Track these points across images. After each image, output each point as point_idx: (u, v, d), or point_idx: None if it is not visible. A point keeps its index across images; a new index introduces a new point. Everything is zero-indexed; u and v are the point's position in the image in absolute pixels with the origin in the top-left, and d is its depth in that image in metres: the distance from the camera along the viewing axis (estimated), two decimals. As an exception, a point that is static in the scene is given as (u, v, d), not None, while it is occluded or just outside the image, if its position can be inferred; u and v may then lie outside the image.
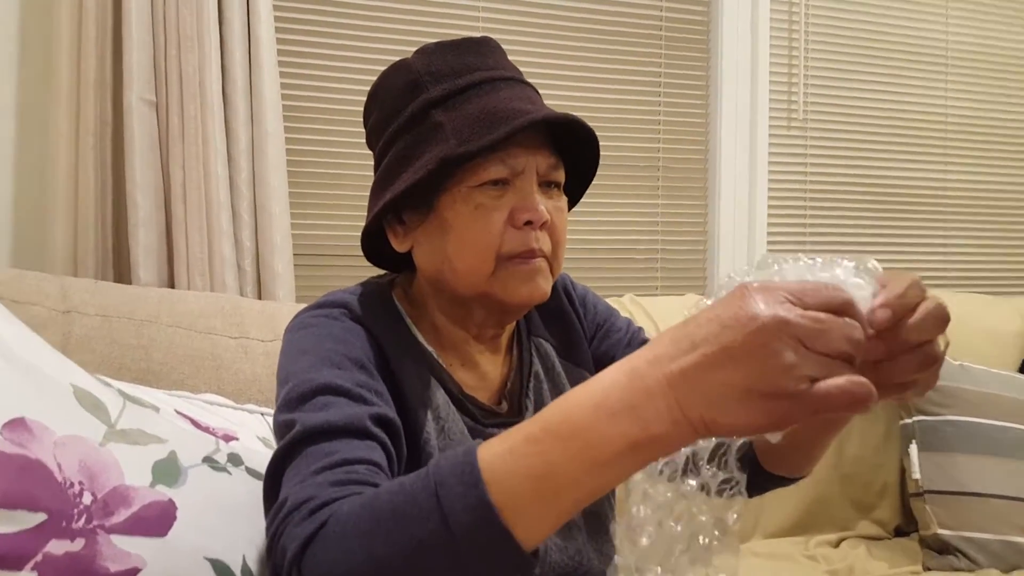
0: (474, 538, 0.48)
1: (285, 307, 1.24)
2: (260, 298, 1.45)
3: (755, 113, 1.92)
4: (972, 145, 2.13)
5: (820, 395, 0.42)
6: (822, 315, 0.44)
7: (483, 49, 0.80)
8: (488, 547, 0.48)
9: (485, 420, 0.79)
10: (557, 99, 1.77)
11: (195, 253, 1.38)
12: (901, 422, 1.49)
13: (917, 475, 1.42)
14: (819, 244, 2.01)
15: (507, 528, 0.47)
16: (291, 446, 0.63)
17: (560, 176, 0.79)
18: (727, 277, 0.53)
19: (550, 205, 0.77)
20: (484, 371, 0.83)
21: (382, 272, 0.90)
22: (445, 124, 0.74)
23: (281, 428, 0.66)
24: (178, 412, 0.91)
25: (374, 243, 0.85)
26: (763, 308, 0.43)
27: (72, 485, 0.68)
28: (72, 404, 0.75)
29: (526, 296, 0.76)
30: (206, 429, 0.90)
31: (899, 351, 0.49)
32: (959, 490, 1.37)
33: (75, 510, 0.67)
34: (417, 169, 0.73)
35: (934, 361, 0.50)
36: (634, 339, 0.92)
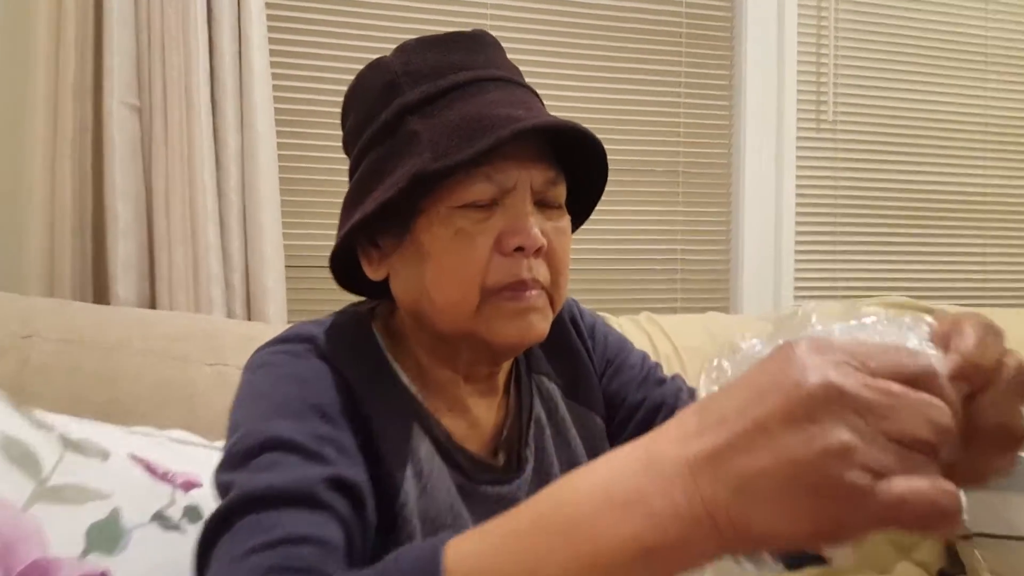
0: None
1: (269, 329, 1.15)
2: (249, 316, 1.36)
3: (781, 115, 1.82)
4: (1014, 149, 2.02)
5: (889, 499, 0.32)
6: (894, 386, 0.33)
7: (473, 45, 0.69)
8: None
9: (477, 475, 0.68)
10: (569, 100, 1.67)
11: (178, 268, 1.29)
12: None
13: (964, 516, 1.29)
14: (850, 255, 1.89)
15: None
16: (226, 515, 0.52)
17: (560, 193, 0.68)
18: (747, 344, 0.42)
19: (548, 227, 0.66)
20: (476, 416, 0.71)
21: (362, 299, 0.79)
22: (421, 134, 0.63)
23: (220, 490, 0.55)
24: (133, 456, 0.82)
25: (351, 264, 0.74)
26: (812, 371, 0.33)
27: (-19, 560, 0.58)
28: (-3, 457, 0.66)
29: (516, 337, 0.65)
30: (164, 476, 0.81)
31: (973, 433, 0.38)
32: (1013, 535, 1.25)
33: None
34: (388, 187, 0.63)
35: (1018, 442, 0.39)
36: (650, 377, 0.81)
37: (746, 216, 1.80)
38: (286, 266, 1.38)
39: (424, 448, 0.65)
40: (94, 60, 1.28)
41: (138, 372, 1.00)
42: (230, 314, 1.34)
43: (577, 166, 0.70)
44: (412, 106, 0.65)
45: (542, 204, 0.66)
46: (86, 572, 0.63)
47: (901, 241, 1.93)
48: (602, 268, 1.72)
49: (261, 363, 0.65)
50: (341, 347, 0.66)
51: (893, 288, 1.88)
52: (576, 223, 0.76)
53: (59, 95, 1.26)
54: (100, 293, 1.32)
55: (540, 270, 0.65)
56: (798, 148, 1.84)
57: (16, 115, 1.29)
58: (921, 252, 1.95)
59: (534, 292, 0.64)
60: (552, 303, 0.67)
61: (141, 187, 1.31)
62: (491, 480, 0.68)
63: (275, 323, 1.33)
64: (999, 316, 1.64)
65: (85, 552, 0.64)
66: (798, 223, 1.84)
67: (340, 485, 0.55)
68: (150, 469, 0.82)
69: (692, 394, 0.80)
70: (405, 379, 0.69)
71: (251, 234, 1.35)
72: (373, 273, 0.70)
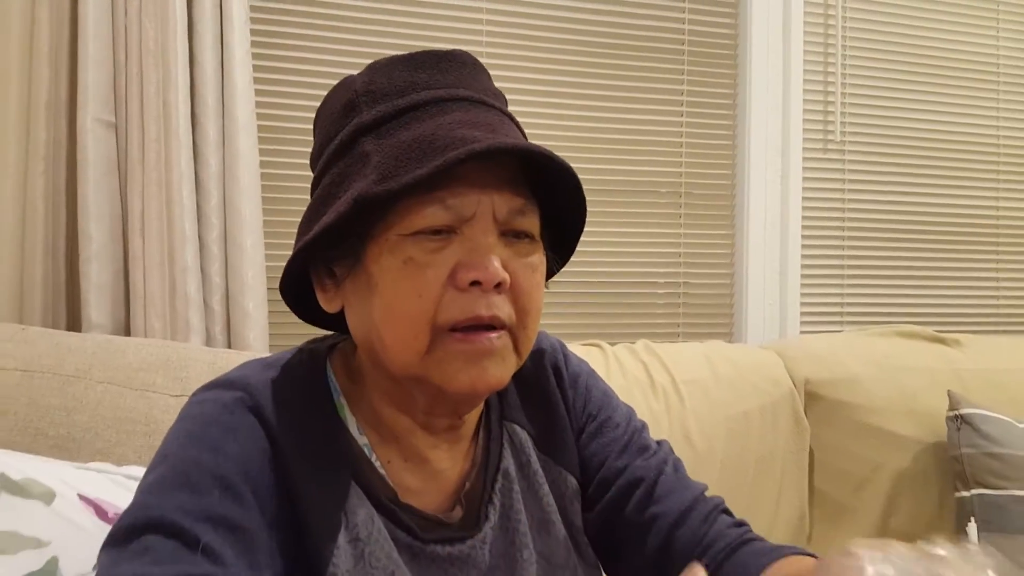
0: None
1: (243, 357, 1.09)
2: (229, 342, 1.30)
3: (787, 135, 1.76)
4: (1028, 171, 1.96)
5: None
6: None
7: (445, 64, 0.63)
8: None
9: (427, 535, 0.61)
10: (568, 120, 1.61)
11: (154, 292, 1.24)
12: (957, 495, 1.29)
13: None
14: (858, 279, 1.83)
15: None
16: None
17: (529, 223, 0.61)
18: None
19: (514, 261, 0.59)
20: (436, 469, 0.65)
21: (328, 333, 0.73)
22: (371, 155, 0.58)
23: (97, 565, 0.51)
24: (82, 497, 0.76)
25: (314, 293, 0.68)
26: None
27: None
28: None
29: (468, 384, 0.58)
30: (113, 519, 0.75)
31: None
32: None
33: None
34: (332, 212, 0.58)
35: None
36: (633, 443, 0.73)
37: (751, 240, 1.74)
38: (268, 289, 1.32)
39: (363, 511, 0.59)
40: (68, 74, 1.24)
41: (97, 404, 0.95)
42: (209, 340, 1.28)
43: (558, 196, 0.64)
44: (367, 126, 0.60)
45: (509, 235, 0.60)
46: (9, 634, 0.57)
47: (911, 266, 1.86)
48: (601, 292, 1.66)
49: (187, 412, 0.60)
50: (282, 395, 0.60)
51: (903, 315, 1.82)
52: (564, 257, 0.70)
53: (31, 110, 1.21)
54: (72, 318, 1.26)
55: (503, 308, 0.58)
56: (804, 169, 1.78)
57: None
58: (932, 277, 1.88)
59: (493, 334, 0.58)
60: (517, 346, 0.61)
61: (117, 207, 1.26)
62: (443, 539, 0.62)
63: (256, 349, 1.27)
64: (1014, 344, 1.59)
65: (10, 610, 0.58)
66: (804, 247, 1.78)
67: None
68: (100, 511, 0.76)
69: (677, 468, 0.73)
70: (354, 430, 0.63)
71: (232, 257, 1.29)
72: (327, 304, 0.64)
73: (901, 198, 1.86)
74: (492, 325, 0.58)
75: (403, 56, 0.64)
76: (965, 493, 1.28)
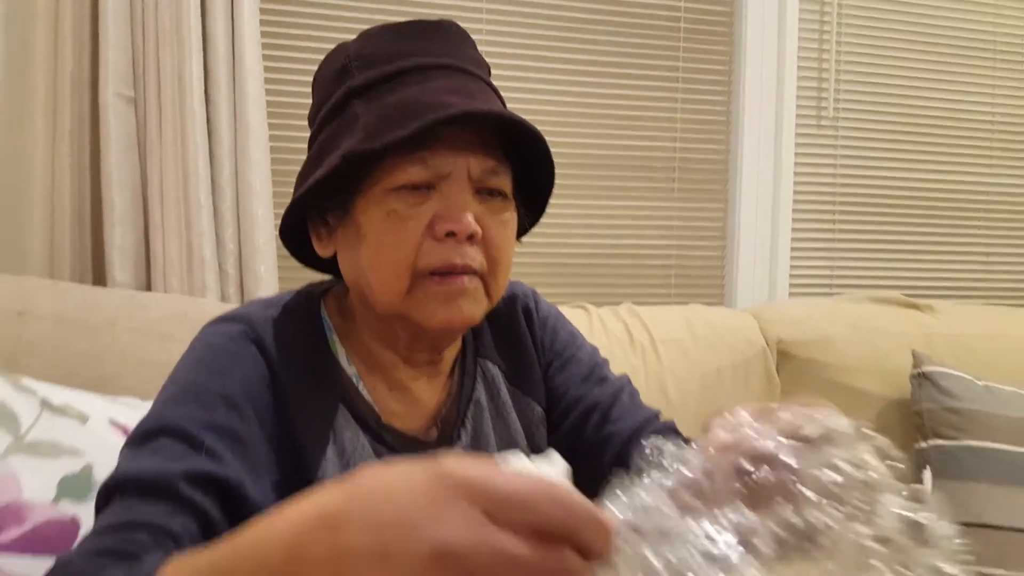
0: None
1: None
2: (242, 303, 1.41)
3: (781, 110, 1.81)
4: (1020, 145, 1.98)
5: None
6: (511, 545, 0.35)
7: (432, 34, 0.71)
8: None
9: (405, 451, 0.71)
10: (565, 94, 1.68)
11: (172, 255, 1.34)
12: (916, 446, 1.38)
13: None
14: (848, 253, 1.88)
15: None
16: (106, 491, 0.58)
17: (501, 182, 0.70)
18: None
19: (487, 216, 0.68)
20: (416, 397, 0.75)
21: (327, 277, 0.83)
22: (360, 116, 0.67)
23: (118, 459, 0.61)
24: (111, 422, 0.87)
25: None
26: (433, 528, 0.35)
27: (-46, 503, 0.63)
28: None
29: (444, 320, 0.67)
30: (138, 440, 0.85)
31: None
32: (975, 521, 1.26)
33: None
34: (324, 166, 0.66)
35: None
36: (593, 374, 0.82)
37: (743, 211, 1.79)
38: (278, 256, 1.42)
39: (349, 431, 0.69)
40: (91, 53, 1.34)
41: (122, 351, 1.05)
42: (224, 299, 1.39)
43: (531, 159, 0.72)
44: (357, 90, 0.68)
45: (483, 192, 0.68)
46: (56, 516, 0.68)
47: (901, 239, 1.90)
48: (596, 263, 1.72)
49: (198, 341, 0.69)
50: (281, 330, 0.69)
51: (892, 287, 1.84)
52: (537, 214, 0.78)
53: (58, 88, 1.31)
54: (99, 278, 1.37)
55: (475, 257, 0.67)
56: (797, 144, 1.81)
57: (18, 109, 1.35)
58: (922, 250, 1.91)
59: (465, 277, 0.66)
60: (488, 290, 0.69)
61: (137, 178, 1.36)
62: (420, 456, 0.71)
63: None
64: (1000, 314, 1.65)
65: (57, 498, 0.69)
66: (795, 219, 1.82)
67: (203, 480, 0.58)
68: (127, 433, 0.86)
69: (632, 396, 0.82)
70: (344, 361, 0.72)
71: (244, 224, 1.40)
72: (322, 250, 0.73)
73: (893, 173, 1.88)
74: (465, 271, 0.66)
75: (393, 25, 0.72)
76: (923, 444, 1.37)
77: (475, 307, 0.68)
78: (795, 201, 1.83)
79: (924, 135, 1.91)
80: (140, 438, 0.61)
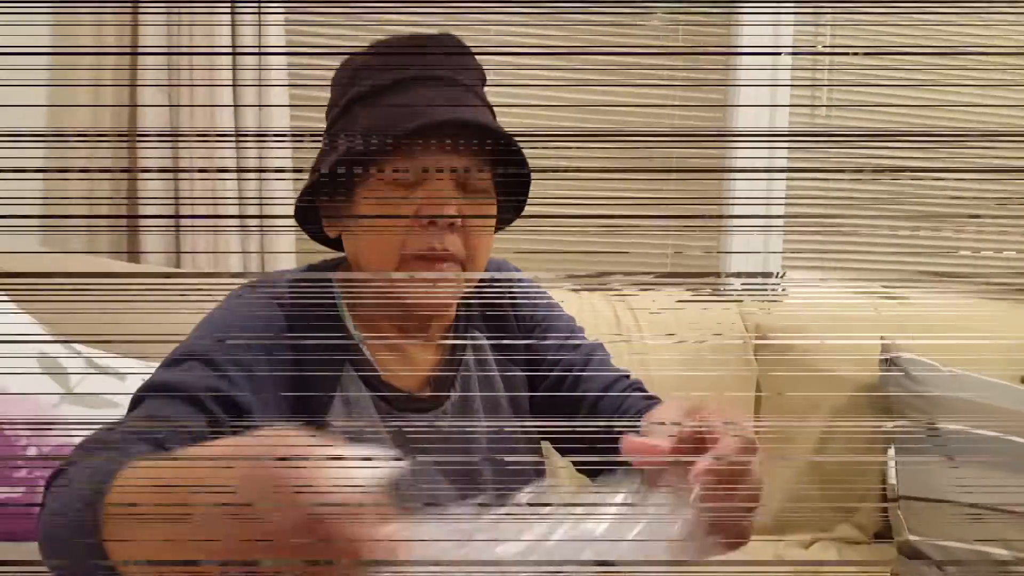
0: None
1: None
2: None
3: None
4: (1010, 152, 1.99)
5: None
6: None
7: (428, 47, 0.82)
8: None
9: (400, 405, 0.82)
10: (567, 102, 1.68)
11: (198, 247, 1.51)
12: (883, 427, 1.48)
13: (893, 480, 1.41)
14: (841, 234, 1.92)
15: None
16: (137, 396, 0.69)
17: (481, 179, 0.81)
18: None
19: (468, 208, 0.78)
20: (412, 359, 0.86)
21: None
22: (361, 119, 0.78)
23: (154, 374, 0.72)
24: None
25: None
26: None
27: (19, 439, 0.76)
28: (35, 369, 0.84)
29: (423, 301, 0.79)
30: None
31: None
32: (934, 497, 1.36)
33: (19, 461, 0.75)
34: (329, 162, 0.78)
35: None
36: (569, 340, 0.93)
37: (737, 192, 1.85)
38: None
39: (354, 385, 0.80)
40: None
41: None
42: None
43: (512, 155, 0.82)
44: (360, 96, 0.80)
45: (467, 188, 0.80)
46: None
47: (885, 235, 1.92)
48: (591, 239, 1.78)
49: (232, 297, 0.81)
50: (297, 297, 0.80)
51: (885, 267, 1.89)
52: (520, 205, 0.89)
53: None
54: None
55: (454, 244, 0.77)
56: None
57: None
58: (902, 243, 1.94)
59: (445, 264, 0.77)
60: (466, 274, 0.80)
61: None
62: (414, 408, 0.83)
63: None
64: (960, 302, 1.73)
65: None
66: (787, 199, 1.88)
67: (225, 399, 0.69)
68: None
69: (604, 360, 0.93)
70: (351, 325, 0.84)
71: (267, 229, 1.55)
72: (329, 231, 0.86)
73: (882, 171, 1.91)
74: (445, 258, 0.77)
75: (399, 37, 0.84)
76: (890, 426, 1.46)
77: (453, 290, 0.80)
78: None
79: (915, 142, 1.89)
80: (171, 361, 0.72)
